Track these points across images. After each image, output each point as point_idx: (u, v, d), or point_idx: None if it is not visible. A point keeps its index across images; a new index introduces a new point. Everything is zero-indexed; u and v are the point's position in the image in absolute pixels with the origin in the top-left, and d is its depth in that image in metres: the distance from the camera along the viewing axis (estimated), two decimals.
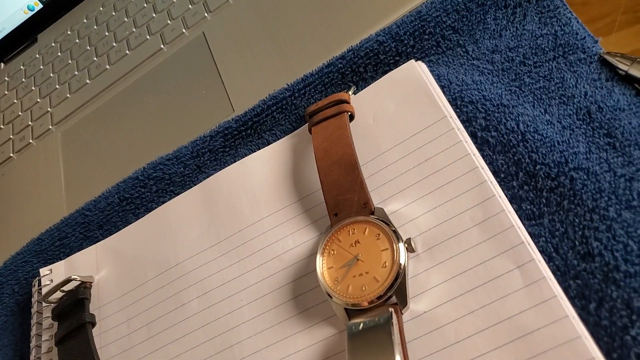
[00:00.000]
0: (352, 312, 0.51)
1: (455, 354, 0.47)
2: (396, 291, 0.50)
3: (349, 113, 0.62)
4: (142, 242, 0.70)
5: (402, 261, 0.51)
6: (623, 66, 0.55)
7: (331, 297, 0.52)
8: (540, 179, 0.52)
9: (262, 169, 0.67)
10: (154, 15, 0.95)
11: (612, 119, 0.53)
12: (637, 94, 0.54)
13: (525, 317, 0.46)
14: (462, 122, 0.58)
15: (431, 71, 0.63)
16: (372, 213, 0.55)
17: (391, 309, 0.49)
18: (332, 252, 0.55)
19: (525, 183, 0.53)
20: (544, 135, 0.54)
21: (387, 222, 0.53)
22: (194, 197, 0.70)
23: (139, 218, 0.72)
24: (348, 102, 0.63)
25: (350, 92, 0.65)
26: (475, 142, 0.56)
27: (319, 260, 0.55)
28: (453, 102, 0.60)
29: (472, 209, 0.52)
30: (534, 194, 0.52)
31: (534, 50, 0.60)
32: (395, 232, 0.52)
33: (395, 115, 0.61)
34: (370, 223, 0.54)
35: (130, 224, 0.72)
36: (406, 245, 0.52)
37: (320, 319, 0.55)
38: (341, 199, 0.57)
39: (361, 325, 0.49)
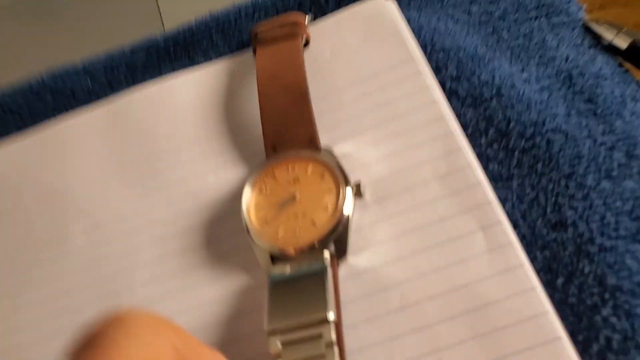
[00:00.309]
0: (279, 260, 0.42)
1: (399, 322, 0.39)
2: (336, 240, 0.41)
3: (304, 37, 0.53)
4: (25, 162, 0.56)
5: (347, 206, 0.42)
6: (608, 35, 0.50)
7: (254, 241, 0.43)
8: (512, 138, 0.46)
9: (189, 94, 0.55)
10: None
11: (594, 86, 0.47)
12: (620, 64, 0.49)
13: (485, 285, 0.39)
14: (431, 69, 0.51)
15: (401, 13, 0.55)
16: (319, 150, 0.46)
17: (327, 258, 0.40)
18: (264, 188, 0.45)
19: (495, 141, 0.46)
20: (521, 92, 0.47)
21: (335, 161, 0.44)
22: (98, 118, 0.57)
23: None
24: (304, 26, 0.53)
25: (307, 19, 0.55)
26: (443, 92, 0.49)
27: (246, 193, 0.45)
28: (422, 48, 0.52)
29: (434, 161, 0.45)
30: (504, 153, 0.45)
31: (515, 7, 0.54)
32: (342, 172, 0.44)
33: (355, 51, 0.53)
34: (314, 160, 0.45)
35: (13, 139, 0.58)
36: (354, 189, 0.43)
37: (237, 268, 0.45)
38: (283, 130, 0.47)
39: (288, 272, 0.40)
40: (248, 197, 0.45)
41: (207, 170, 0.50)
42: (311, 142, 0.46)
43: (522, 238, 0.41)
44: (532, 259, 0.40)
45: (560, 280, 0.39)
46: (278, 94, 0.49)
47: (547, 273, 0.40)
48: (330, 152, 0.46)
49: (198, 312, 0.43)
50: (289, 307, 0.38)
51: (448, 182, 0.43)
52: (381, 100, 0.49)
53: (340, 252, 0.42)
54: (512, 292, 0.38)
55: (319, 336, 0.36)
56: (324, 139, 0.48)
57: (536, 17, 0.53)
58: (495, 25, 0.54)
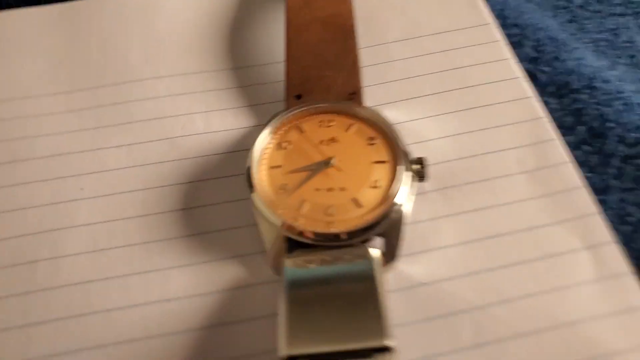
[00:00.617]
0: (296, 246, 0.28)
1: None
2: (387, 230, 0.28)
3: None
4: None
5: (404, 187, 0.29)
6: None
7: (263, 213, 0.28)
8: (610, 141, 0.35)
9: (184, 7, 0.41)
10: None
11: None
12: None
13: (597, 328, 0.27)
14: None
15: None
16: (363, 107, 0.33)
17: (370, 249, 0.27)
18: (287, 144, 0.31)
19: (586, 142, 0.36)
20: (618, 89, 0.38)
21: (389, 125, 0.32)
22: (52, 16, 0.41)
23: None
24: None
25: None
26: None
27: (259, 143, 0.31)
28: (496, 17, 0.41)
29: (520, 149, 0.33)
30: (599, 159, 0.35)
31: None
32: (399, 141, 0.31)
33: (414, 2, 0.41)
34: (362, 120, 0.32)
35: None
36: (416, 166, 0.30)
37: (227, 253, 0.30)
38: (315, 75, 0.34)
39: (316, 270, 0.26)
40: (261, 149, 0.31)
41: (195, 111, 0.36)
42: (352, 97, 0.33)
43: None
44: None
45: None
46: (313, 27, 0.36)
47: None
48: (377, 111, 0.33)
49: (163, 308, 0.28)
50: (319, 325, 0.24)
51: (539, 180, 0.32)
52: (447, 65, 0.37)
53: (389, 252, 0.28)
54: (637, 343, 0.26)
55: None
56: (367, 100, 0.35)
57: (622, 14, 0.44)
58: (574, 13, 0.44)
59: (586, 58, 0.40)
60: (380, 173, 0.30)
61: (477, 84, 0.36)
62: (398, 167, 0.30)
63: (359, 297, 0.25)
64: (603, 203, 0.33)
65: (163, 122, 0.35)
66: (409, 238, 0.29)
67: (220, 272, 0.29)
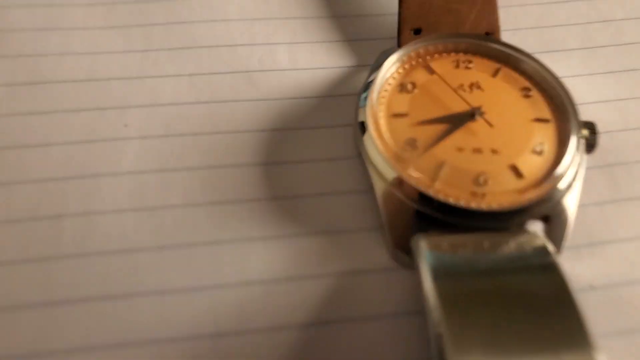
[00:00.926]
0: (426, 226, 0.20)
1: None
2: (555, 212, 0.20)
3: None
4: None
5: (578, 156, 0.21)
6: None
7: (384, 175, 0.21)
8: None
9: None
10: None
11: None
12: None
13: None
14: None
15: None
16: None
17: (544, 239, 0.19)
18: (411, 86, 0.23)
19: None
20: None
21: (552, 74, 0.24)
22: None
23: None
24: None
25: None
26: None
27: (375, 88, 0.22)
28: None
29: None
30: None
31: None
32: (567, 92, 0.23)
33: None
34: (510, 64, 0.24)
35: None
36: (586, 132, 0.22)
37: (317, 228, 0.22)
38: (439, 6, 0.26)
39: (472, 249, 0.18)
40: (378, 91, 0.23)
41: (275, 41, 0.27)
42: (488, 33, 0.26)
43: None
44: None
45: None
46: None
47: None
48: (532, 58, 0.25)
49: (239, 295, 0.20)
50: (491, 332, 0.16)
51: None
52: (593, 16, 0.29)
53: (554, 241, 0.21)
54: None
55: None
56: None
57: None
58: None
59: None
60: (543, 135, 0.22)
61: (634, 41, 0.28)
62: (567, 129, 0.22)
63: (545, 297, 0.17)
64: None
65: (235, 50, 0.27)
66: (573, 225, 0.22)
67: (318, 251, 0.21)
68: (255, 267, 0.21)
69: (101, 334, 0.19)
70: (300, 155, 0.24)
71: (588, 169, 0.24)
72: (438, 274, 0.18)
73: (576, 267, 0.21)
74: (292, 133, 0.24)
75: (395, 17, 0.26)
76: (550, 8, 0.30)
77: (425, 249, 0.19)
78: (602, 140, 0.25)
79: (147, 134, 0.24)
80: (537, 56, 0.27)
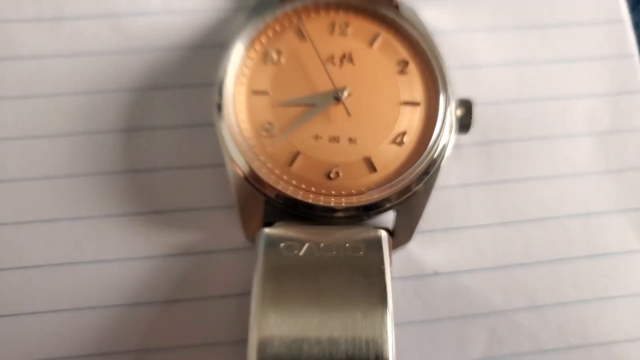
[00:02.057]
0: (278, 216, 0.20)
1: None
2: (406, 206, 0.21)
3: None
4: None
5: (441, 145, 0.21)
6: None
7: (238, 165, 0.20)
8: None
9: None
10: None
11: None
12: None
13: (630, 348, 0.22)
14: None
15: None
16: (396, 7, 0.23)
17: (382, 233, 0.20)
18: (276, 55, 0.21)
19: None
20: None
21: (431, 42, 0.22)
22: None
23: None
24: None
25: None
26: None
27: (234, 58, 0.21)
28: None
29: (595, 99, 0.24)
30: None
31: None
32: (444, 72, 0.21)
33: None
34: (394, 28, 0.22)
35: None
36: (460, 111, 0.21)
37: (175, 206, 0.22)
38: None
39: (307, 247, 0.19)
40: (237, 65, 0.21)
41: None
42: None
43: None
44: None
45: None
46: None
47: None
48: (415, 15, 0.23)
49: (91, 271, 0.21)
50: (303, 340, 0.18)
51: (610, 147, 0.24)
52: None
53: (402, 232, 0.21)
54: None
55: None
56: None
57: None
58: None
59: None
60: (409, 121, 0.21)
61: None
62: (439, 110, 0.21)
63: (362, 314, 0.18)
64: None
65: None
66: (430, 209, 0.22)
67: (173, 229, 0.22)
68: (112, 245, 0.21)
69: None
70: (163, 120, 0.23)
71: (466, 145, 0.24)
72: (265, 265, 0.19)
73: (426, 252, 0.22)
74: (158, 93, 0.23)
75: None
76: None
77: (262, 248, 0.19)
78: (488, 111, 0.24)
79: (4, 94, 0.22)
80: (444, 1, 0.25)
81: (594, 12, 0.25)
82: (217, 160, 0.22)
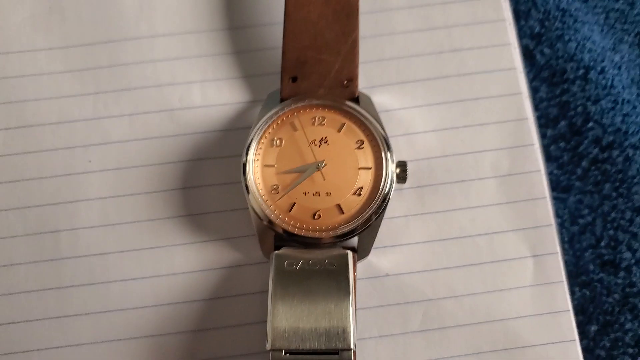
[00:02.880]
0: (283, 242, 0.32)
1: (415, 347, 0.33)
2: (365, 233, 0.33)
3: None
4: None
5: (386, 192, 0.32)
6: None
7: (258, 214, 0.32)
8: (585, 141, 0.37)
9: None
10: None
11: None
12: None
13: (523, 325, 0.33)
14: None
15: None
16: (356, 100, 0.34)
17: (348, 252, 0.32)
18: (279, 141, 0.33)
19: (563, 137, 0.38)
20: (610, 83, 0.38)
21: (379, 125, 0.33)
22: None
23: None
24: None
25: None
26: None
27: (252, 146, 0.33)
28: None
29: (498, 152, 0.35)
30: (570, 156, 0.37)
31: None
32: (388, 145, 0.33)
33: None
34: (354, 119, 0.33)
35: None
36: (398, 170, 0.33)
37: (219, 236, 0.34)
38: (312, 57, 0.34)
39: (301, 263, 0.31)
40: (254, 152, 0.33)
41: (192, 80, 0.36)
42: (347, 85, 0.34)
43: (564, 266, 0.36)
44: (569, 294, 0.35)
45: (593, 328, 0.35)
46: (316, 3, 0.35)
47: (580, 314, 0.35)
48: (369, 102, 0.35)
49: (170, 281, 0.34)
50: (299, 321, 0.29)
51: (509, 187, 0.35)
52: (447, 44, 0.37)
53: (363, 249, 0.33)
54: (549, 340, 0.33)
55: None
56: (362, 80, 0.36)
57: None
58: None
59: (592, 37, 0.39)
60: (364, 179, 0.33)
61: (472, 72, 0.36)
62: (384, 172, 0.32)
63: (333, 286, 0.30)
64: (561, 201, 0.37)
65: (161, 91, 0.36)
66: (381, 233, 0.34)
67: (218, 252, 0.34)
68: (178, 263, 0.34)
69: (91, 305, 0.33)
70: (208, 180, 0.35)
71: (405, 189, 0.35)
72: (278, 271, 0.31)
73: (380, 261, 0.34)
74: (203, 162, 0.35)
75: None
76: (412, 36, 0.37)
77: (273, 264, 0.31)
78: (421, 165, 0.35)
79: (103, 168, 0.35)
80: (392, 88, 0.36)
81: (499, 88, 0.36)
82: (244, 205, 0.34)
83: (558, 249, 0.34)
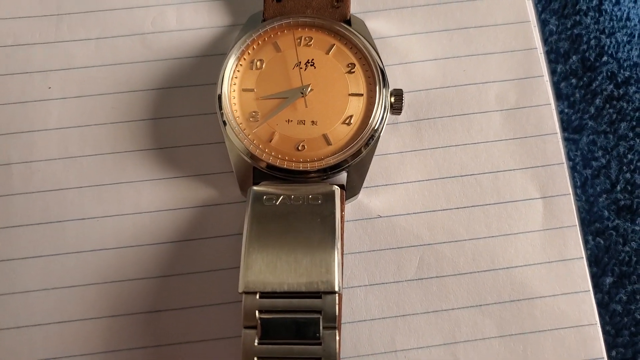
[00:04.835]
0: (263, 178, 0.29)
1: (412, 297, 0.29)
2: (354, 168, 0.29)
3: None
4: None
5: (378, 123, 0.29)
6: None
7: (231, 139, 0.29)
8: (600, 77, 0.34)
9: None
10: None
11: None
12: None
13: (531, 273, 0.30)
14: None
15: None
16: (347, 22, 0.31)
17: (335, 188, 0.28)
18: (259, 63, 0.30)
19: (575, 73, 0.34)
20: (626, 15, 0.35)
21: (373, 48, 0.30)
22: None
23: None
24: None
25: None
26: None
27: (229, 66, 0.29)
28: None
29: (504, 83, 0.32)
30: (582, 93, 0.34)
31: None
32: (382, 70, 0.30)
33: None
34: (345, 39, 0.30)
35: None
36: (393, 99, 0.29)
37: (191, 172, 0.31)
38: None
39: (282, 199, 0.27)
40: (230, 73, 0.29)
41: (166, 2, 0.33)
42: (339, 4, 0.31)
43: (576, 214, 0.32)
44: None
45: (608, 280, 0.31)
46: None
47: (594, 266, 0.32)
48: (363, 26, 0.31)
49: (135, 221, 0.30)
50: (277, 260, 0.26)
51: (516, 121, 0.31)
52: None
53: (352, 187, 0.29)
54: (560, 290, 0.29)
55: (317, 310, 0.26)
56: (354, 5, 0.32)
57: None
58: None
59: None
60: (355, 107, 0.29)
61: None
62: (377, 100, 0.29)
63: (316, 225, 0.26)
64: (573, 143, 0.34)
65: (132, 12, 0.32)
66: (373, 170, 0.30)
67: (190, 189, 0.30)
68: (145, 201, 0.30)
69: (42, 246, 0.29)
70: (180, 110, 0.31)
71: (400, 122, 0.32)
72: (255, 208, 0.27)
73: (372, 201, 0.31)
74: (176, 90, 0.32)
75: None
76: None
77: (250, 200, 0.28)
78: (419, 97, 0.32)
79: (65, 95, 0.31)
80: (389, 12, 0.33)
81: (506, 15, 0.33)
82: (220, 138, 0.30)
83: (570, 189, 0.31)
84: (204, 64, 0.32)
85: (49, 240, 0.29)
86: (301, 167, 0.28)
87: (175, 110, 0.31)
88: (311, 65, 0.29)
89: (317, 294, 0.25)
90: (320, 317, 0.25)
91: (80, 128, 0.31)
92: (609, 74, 0.34)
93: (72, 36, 0.32)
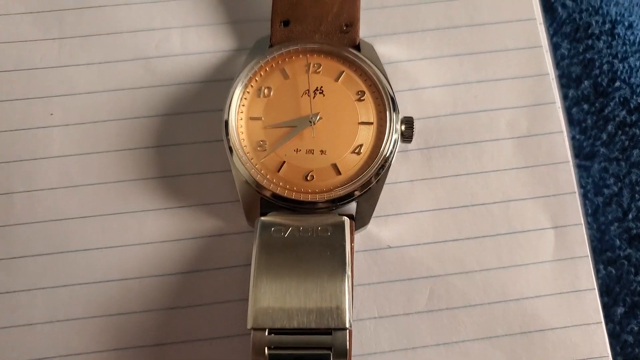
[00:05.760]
0: (271, 208, 0.28)
1: (421, 329, 0.29)
2: (364, 198, 0.28)
3: None
4: None
5: (388, 152, 0.28)
6: None
7: (238, 168, 0.28)
8: (612, 103, 0.33)
9: None
10: None
11: None
12: None
13: (542, 305, 0.29)
14: None
15: None
16: (357, 47, 0.30)
17: (345, 219, 0.27)
18: (267, 91, 0.29)
19: (587, 99, 0.34)
20: (639, 39, 0.34)
21: (383, 75, 0.29)
22: None
23: None
24: None
25: None
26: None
27: (236, 94, 0.29)
28: None
29: (516, 110, 0.31)
30: (594, 120, 0.33)
31: None
32: (392, 98, 0.29)
33: None
34: (355, 66, 0.29)
35: None
36: (404, 127, 0.29)
37: (197, 201, 0.30)
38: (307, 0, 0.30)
39: (290, 230, 0.27)
40: (237, 101, 0.28)
41: (170, 25, 0.32)
42: (347, 30, 0.30)
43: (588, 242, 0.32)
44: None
45: (619, 310, 0.31)
46: None
47: (605, 295, 0.31)
48: (372, 50, 0.30)
49: (139, 252, 0.29)
50: (286, 294, 0.25)
51: (527, 149, 0.31)
52: None
53: (362, 217, 0.29)
54: (571, 322, 0.29)
55: (327, 347, 0.25)
56: (364, 29, 0.31)
57: None
58: None
59: None
60: (365, 136, 0.28)
61: (487, 22, 0.32)
62: (387, 128, 0.28)
63: (326, 257, 0.26)
64: (584, 170, 0.33)
65: (136, 36, 0.32)
66: (383, 199, 0.29)
67: (195, 219, 0.30)
68: (149, 231, 0.29)
69: (45, 278, 0.29)
70: (185, 137, 0.31)
71: (410, 150, 0.31)
72: (262, 240, 0.26)
73: (382, 231, 0.30)
74: (180, 117, 0.31)
75: None
76: None
77: (258, 231, 0.27)
78: (429, 124, 0.31)
79: (68, 122, 0.30)
80: (399, 37, 0.32)
81: (517, 40, 0.32)
82: (226, 167, 0.30)
83: (582, 219, 0.30)
84: (210, 90, 0.31)
85: (52, 272, 0.29)
86: (309, 197, 0.28)
87: (180, 137, 0.31)
88: (320, 92, 0.29)
89: (327, 331, 0.25)
90: (331, 353, 0.25)
91: (83, 156, 0.30)
92: (622, 99, 0.33)
93: (74, 61, 0.31)
